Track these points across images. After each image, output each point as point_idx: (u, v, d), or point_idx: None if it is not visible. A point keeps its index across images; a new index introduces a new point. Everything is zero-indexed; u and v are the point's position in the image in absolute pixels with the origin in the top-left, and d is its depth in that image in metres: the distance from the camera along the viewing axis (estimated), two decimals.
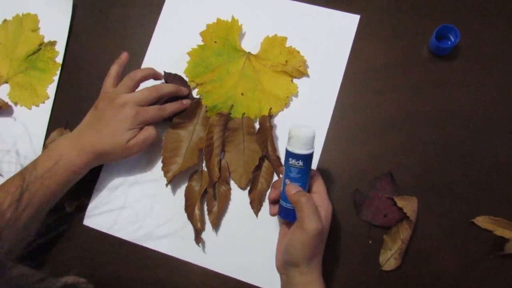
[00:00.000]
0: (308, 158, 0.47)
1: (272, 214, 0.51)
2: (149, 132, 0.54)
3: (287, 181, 0.47)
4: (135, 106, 0.52)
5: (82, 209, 0.58)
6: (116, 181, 0.59)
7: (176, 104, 0.56)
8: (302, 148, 0.46)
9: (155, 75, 0.57)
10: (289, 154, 0.47)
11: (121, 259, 0.56)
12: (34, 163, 0.51)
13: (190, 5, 0.63)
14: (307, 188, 0.48)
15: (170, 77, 0.59)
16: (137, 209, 0.58)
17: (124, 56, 0.57)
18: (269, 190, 0.55)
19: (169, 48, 0.62)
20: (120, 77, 0.56)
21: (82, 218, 0.58)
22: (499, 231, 0.51)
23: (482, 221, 0.52)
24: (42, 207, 0.49)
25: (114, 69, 0.56)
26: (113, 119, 0.52)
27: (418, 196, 0.53)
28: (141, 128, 0.53)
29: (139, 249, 0.56)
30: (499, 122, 0.54)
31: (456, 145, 0.54)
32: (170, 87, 0.56)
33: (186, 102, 0.57)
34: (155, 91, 0.54)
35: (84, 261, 0.57)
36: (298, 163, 0.46)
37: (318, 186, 0.49)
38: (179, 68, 0.60)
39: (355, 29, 0.59)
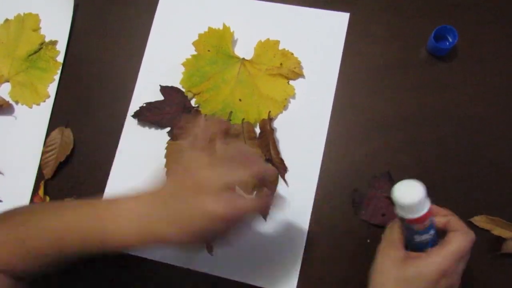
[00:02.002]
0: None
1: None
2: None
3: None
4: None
5: None
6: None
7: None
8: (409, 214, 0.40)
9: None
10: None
11: (127, 273, 0.56)
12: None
13: (179, 16, 0.63)
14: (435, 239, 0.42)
15: (167, 90, 0.60)
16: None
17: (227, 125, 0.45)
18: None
19: (163, 61, 0.62)
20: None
21: None
22: (497, 231, 0.51)
23: (479, 221, 0.52)
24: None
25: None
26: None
27: None
28: None
29: (147, 263, 0.56)
30: (497, 123, 0.55)
31: (454, 145, 0.55)
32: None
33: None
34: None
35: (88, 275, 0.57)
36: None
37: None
38: (175, 79, 0.60)
39: (346, 27, 0.59)
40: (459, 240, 0.40)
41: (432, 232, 0.41)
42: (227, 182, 0.37)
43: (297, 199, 0.55)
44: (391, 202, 0.52)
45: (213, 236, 0.40)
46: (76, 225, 0.40)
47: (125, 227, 0.39)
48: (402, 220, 0.41)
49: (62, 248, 0.41)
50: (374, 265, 0.43)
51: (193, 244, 0.41)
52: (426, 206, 0.39)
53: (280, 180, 0.56)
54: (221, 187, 0.37)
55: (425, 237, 0.40)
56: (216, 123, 0.43)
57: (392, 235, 0.43)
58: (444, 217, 0.42)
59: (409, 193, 0.38)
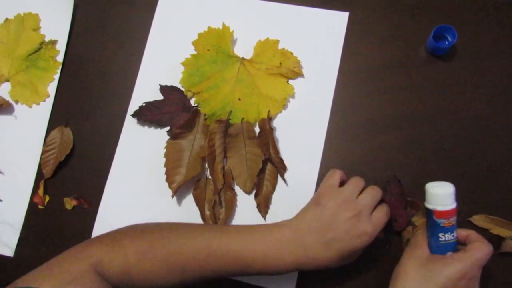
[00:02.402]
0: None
1: None
2: None
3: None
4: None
5: (79, 211, 0.59)
6: (121, 196, 0.59)
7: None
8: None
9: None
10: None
11: None
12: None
13: (179, 15, 0.64)
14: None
15: (167, 90, 0.60)
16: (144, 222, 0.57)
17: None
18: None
19: (163, 60, 0.62)
20: None
21: (89, 236, 0.58)
22: (496, 230, 0.51)
23: (479, 220, 0.52)
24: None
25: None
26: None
27: (416, 195, 0.53)
28: None
29: None
30: (497, 122, 0.55)
31: (453, 144, 0.55)
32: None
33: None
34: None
35: None
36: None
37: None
38: (174, 79, 0.60)
39: (345, 27, 0.59)
40: (482, 249, 0.43)
41: (455, 234, 0.44)
42: (371, 205, 0.45)
43: (296, 198, 0.55)
44: (411, 203, 0.53)
45: (361, 252, 0.46)
46: (228, 248, 0.44)
47: (283, 252, 0.44)
48: (430, 215, 0.45)
49: (206, 267, 0.44)
50: (398, 267, 0.46)
51: (343, 263, 0.45)
52: (455, 202, 0.44)
53: (280, 180, 0.56)
54: (370, 210, 0.45)
55: (449, 237, 0.44)
56: (378, 193, 0.47)
57: (417, 238, 0.47)
58: (465, 231, 0.46)
59: (442, 186, 0.45)
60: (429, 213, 0.45)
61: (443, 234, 0.44)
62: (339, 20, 0.60)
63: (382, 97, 0.57)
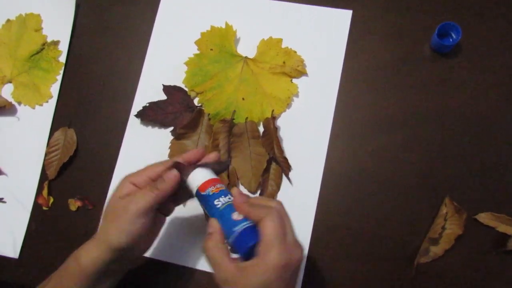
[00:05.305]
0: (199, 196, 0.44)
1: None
2: None
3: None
4: None
5: (83, 212, 0.59)
6: None
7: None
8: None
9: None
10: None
11: (136, 275, 0.56)
12: None
13: (182, 15, 0.63)
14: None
15: (170, 90, 0.60)
16: None
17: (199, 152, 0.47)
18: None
19: (166, 60, 0.62)
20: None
21: None
22: (502, 228, 0.51)
23: (484, 218, 0.52)
24: None
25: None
26: None
27: (421, 193, 0.53)
28: None
29: (152, 263, 0.56)
30: (501, 119, 0.55)
31: (458, 142, 0.54)
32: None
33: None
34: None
35: None
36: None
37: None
38: (178, 79, 0.60)
39: (349, 25, 0.59)
40: (275, 252, 0.37)
41: (229, 195, 0.43)
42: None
43: (301, 197, 0.55)
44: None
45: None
46: None
47: None
48: (201, 196, 0.43)
49: None
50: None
51: None
52: (208, 174, 0.44)
53: (284, 179, 0.56)
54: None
55: (225, 199, 0.42)
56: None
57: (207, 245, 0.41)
58: (247, 206, 0.40)
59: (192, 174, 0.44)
60: (201, 197, 0.43)
61: (217, 200, 0.42)
62: (342, 18, 0.60)
63: (386, 95, 0.57)
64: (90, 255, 0.43)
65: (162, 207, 0.47)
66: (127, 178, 0.46)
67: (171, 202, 0.48)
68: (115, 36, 0.64)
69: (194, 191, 0.44)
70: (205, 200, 0.43)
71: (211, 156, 0.47)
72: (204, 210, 0.48)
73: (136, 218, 0.42)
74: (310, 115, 0.57)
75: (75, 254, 0.45)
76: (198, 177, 0.44)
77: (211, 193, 0.43)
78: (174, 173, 0.44)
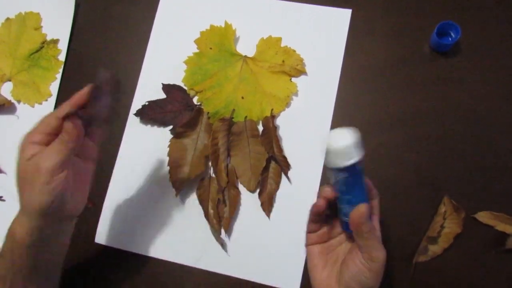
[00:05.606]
0: (349, 169, 0.38)
1: (313, 231, 0.44)
2: None
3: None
4: None
5: (83, 210, 0.59)
6: (125, 197, 0.59)
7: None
8: (338, 161, 0.39)
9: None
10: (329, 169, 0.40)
11: (137, 274, 0.57)
12: None
13: (181, 14, 0.63)
14: (366, 199, 0.41)
15: (169, 88, 0.60)
16: (149, 222, 0.57)
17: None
18: (314, 200, 0.43)
19: (165, 59, 0.62)
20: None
21: (93, 236, 0.58)
22: (501, 227, 0.51)
23: (483, 217, 0.52)
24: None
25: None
26: None
27: (420, 192, 0.53)
28: None
29: (152, 262, 0.56)
30: (501, 118, 0.55)
31: (458, 141, 0.55)
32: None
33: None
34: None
35: (98, 281, 0.57)
36: (341, 176, 0.39)
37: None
38: (177, 77, 0.60)
39: (348, 24, 0.59)
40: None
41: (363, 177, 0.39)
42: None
43: (300, 196, 0.55)
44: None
45: None
46: None
47: None
48: (353, 170, 0.39)
49: None
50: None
51: None
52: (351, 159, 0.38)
53: (283, 178, 0.56)
54: None
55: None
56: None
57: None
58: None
59: (339, 134, 0.39)
60: (349, 171, 0.39)
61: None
62: (342, 17, 0.60)
63: (385, 94, 0.57)
64: (23, 226, 0.43)
65: (85, 150, 0.46)
66: (26, 139, 0.45)
67: (88, 137, 0.46)
68: (114, 34, 0.64)
69: (351, 162, 0.38)
70: (358, 175, 0.39)
71: (85, 91, 0.46)
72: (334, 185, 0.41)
73: (51, 176, 0.41)
74: (309, 114, 0.57)
75: (10, 230, 0.44)
76: (356, 144, 0.37)
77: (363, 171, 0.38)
78: (72, 125, 0.42)
